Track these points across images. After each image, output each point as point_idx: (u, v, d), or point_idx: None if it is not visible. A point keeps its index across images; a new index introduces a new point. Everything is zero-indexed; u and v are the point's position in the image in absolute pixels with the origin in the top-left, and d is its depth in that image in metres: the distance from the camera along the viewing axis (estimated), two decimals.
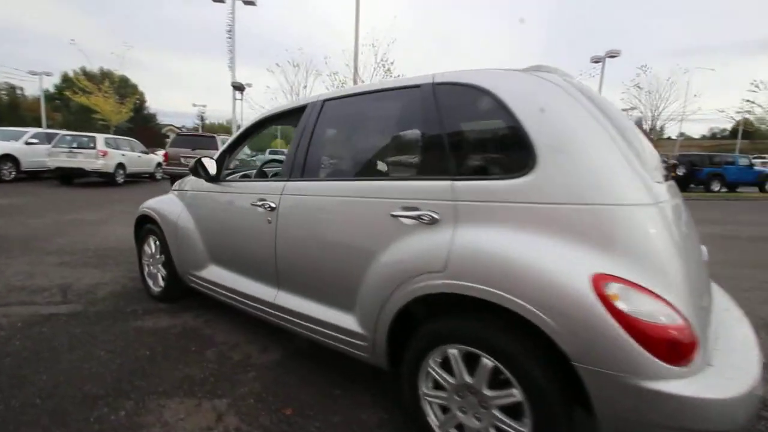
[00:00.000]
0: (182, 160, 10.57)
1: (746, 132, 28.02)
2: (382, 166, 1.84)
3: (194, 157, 10.38)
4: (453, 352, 1.43)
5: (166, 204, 2.86)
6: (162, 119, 44.87)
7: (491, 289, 1.27)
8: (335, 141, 2.08)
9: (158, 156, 14.55)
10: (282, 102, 15.99)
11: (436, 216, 1.47)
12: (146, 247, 3.09)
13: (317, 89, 16.36)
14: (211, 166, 2.43)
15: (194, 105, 43.77)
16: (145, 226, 3.06)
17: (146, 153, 13.41)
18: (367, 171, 1.88)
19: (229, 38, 15.58)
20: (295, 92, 15.16)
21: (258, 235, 2.12)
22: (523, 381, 1.26)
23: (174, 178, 11.05)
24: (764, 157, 27.46)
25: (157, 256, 2.97)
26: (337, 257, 1.76)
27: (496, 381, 1.34)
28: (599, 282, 1.15)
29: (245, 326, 2.62)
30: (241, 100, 15.82)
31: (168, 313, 2.79)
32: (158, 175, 13.94)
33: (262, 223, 2.08)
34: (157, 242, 2.94)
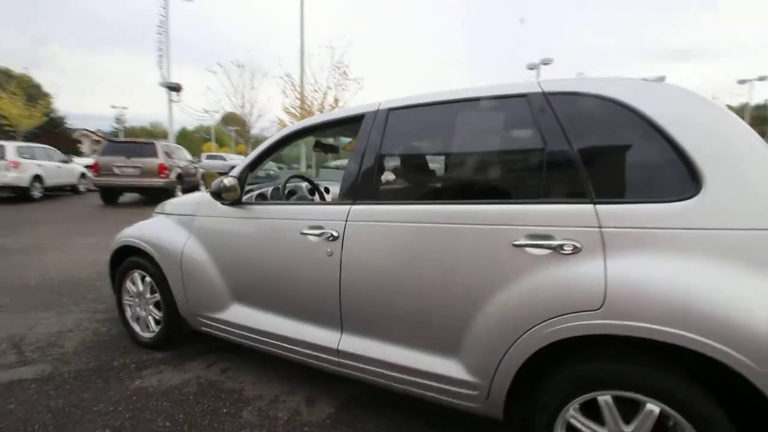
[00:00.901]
0: (116, 170, 9.35)
1: None
2: (488, 186, 1.60)
3: (130, 167, 9.32)
4: (605, 398, 1.25)
5: (162, 232, 2.36)
6: (72, 123, 39.74)
7: (675, 331, 1.11)
8: (414, 157, 1.80)
9: (80, 165, 12.80)
10: (226, 105, 14.90)
11: (578, 245, 1.28)
12: (129, 285, 2.54)
13: (265, 92, 15.43)
14: (233, 187, 2.02)
15: (113, 107, 39.24)
16: (128, 259, 2.51)
17: (66, 162, 11.72)
18: (469, 193, 1.63)
19: (161, 33, 14.20)
20: (240, 94, 14.20)
21: (312, 269, 1.77)
22: (702, 429, 1.12)
23: (105, 191, 9.77)
24: None
25: (148, 295, 2.45)
26: (434, 296, 1.50)
27: (662, 428, 1.19)
28: None
29: (273, 372, 2.22)
30: (179, 101, 14.48)
31: (171, 366, 2.29)
32: (82, 188, 12.25)
33: (319, 256, 1.74)
34: (147, 278, 2.42)
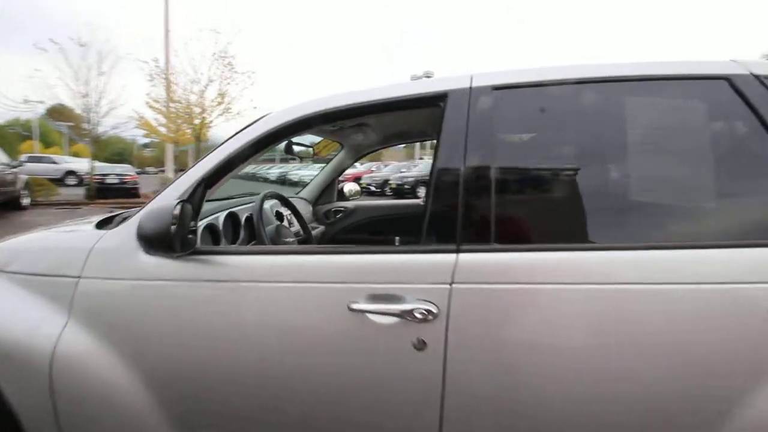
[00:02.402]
0: None
1: None
2: (722, 219, 0.99)
3: None
4: None
5: None
6: None
7: None
8: (566, 170, 1.08)
9: None
10: (63, 94, 11.39)
11: None
12: None
13: (121, 79, 12.34)
14: (176, 222, 1.01)
15: None
16: None
17: None
18: (693, 230, 0.99)
19: None
20: (83, 80, 11.04)
21: (381, 377, 0.95)
22: None
23: None
24: None
25: None
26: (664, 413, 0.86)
27: None
28: None
29: None
30: None
31: None
32: None
33: (397, 351, 0.93)
34: None
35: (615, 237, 0.95)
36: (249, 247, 1.12)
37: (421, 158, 23.27)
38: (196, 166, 1.15)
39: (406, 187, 13.63)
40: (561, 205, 1.01)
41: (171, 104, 11.70)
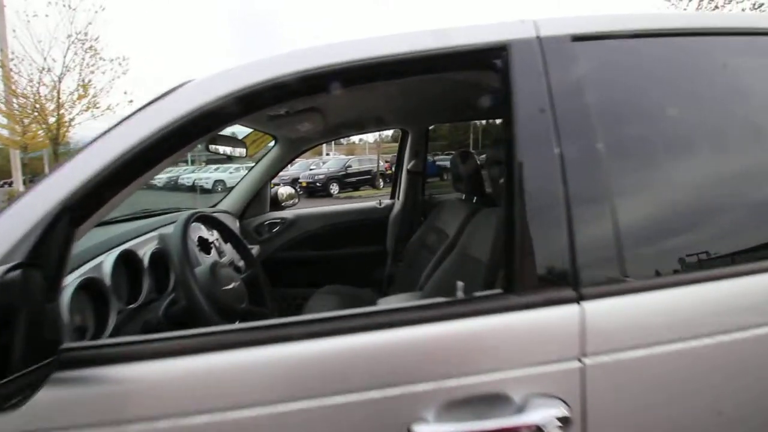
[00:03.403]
0: None
1: None
2: None
3: None
4: None
5: None
6: None
7: None
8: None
9: None
10: None
11: None
12: None
13: None
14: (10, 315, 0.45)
15: None
16: None
17: None
18: None
19: None
20: None
21: None
22: None
23: None
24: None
25: None
26: None
27: None
28: None
29: None
30: None
31: None
32: None
33: None
34: None
35: None
36: (188, 334, 0.56)
37: (327, 154, 22.69)
38: (46, 182, 0.57)
39: (318, 185, 13.00)
40: (720, 205, 0.68)
41: (14, 99, 9.28)
